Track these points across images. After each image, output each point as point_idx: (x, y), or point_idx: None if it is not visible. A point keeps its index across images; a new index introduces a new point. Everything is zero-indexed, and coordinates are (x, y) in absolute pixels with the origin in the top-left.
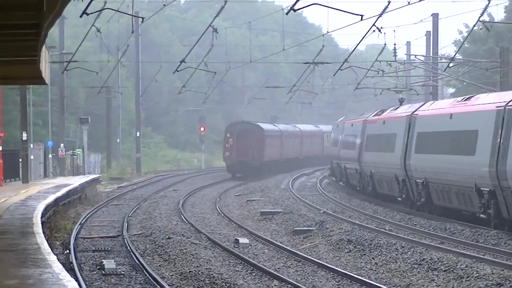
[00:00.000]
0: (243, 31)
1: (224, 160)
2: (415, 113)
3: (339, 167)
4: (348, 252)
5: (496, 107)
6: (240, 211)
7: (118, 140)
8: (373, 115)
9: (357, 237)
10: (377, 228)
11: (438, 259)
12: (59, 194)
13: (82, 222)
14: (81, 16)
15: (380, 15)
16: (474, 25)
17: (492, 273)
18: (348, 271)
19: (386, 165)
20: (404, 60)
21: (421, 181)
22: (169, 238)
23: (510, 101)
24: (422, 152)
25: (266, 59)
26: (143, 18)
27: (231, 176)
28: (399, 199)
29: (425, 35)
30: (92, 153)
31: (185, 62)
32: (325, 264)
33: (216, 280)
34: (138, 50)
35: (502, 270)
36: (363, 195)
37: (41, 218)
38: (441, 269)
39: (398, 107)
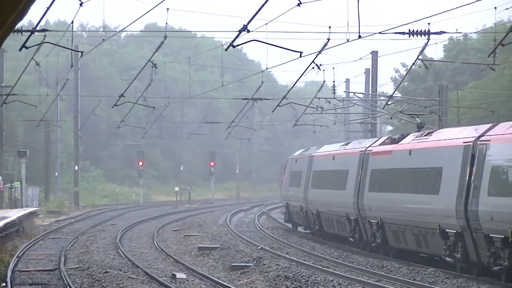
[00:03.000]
0: (183, 67)
1: None
2: (482, 139)
3: (302, 212)
4: None
5: None
6: (178, 246)
7: (56, 174)
8: (379, 144)
9: (294, 273)
10: (314, 265)
11: None
12: None
13: (20, 255)
14: (20, 50)
15: (319, 52)
16: (413, 63)
17: None
18: None
19: (419, 211)
20: (343, 97)
21: (502, 236)
22: (106, 272)
23: None
24: (501, 195)
25: (205, 94)
26: (82, 52)
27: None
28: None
29: (364, 72)
30: (30, 186)
31: (124, 97)
32: None
33: None
34: (77, 84)
35: None
36: (358, 248)
37: None
38: None
39: (428, 132)
